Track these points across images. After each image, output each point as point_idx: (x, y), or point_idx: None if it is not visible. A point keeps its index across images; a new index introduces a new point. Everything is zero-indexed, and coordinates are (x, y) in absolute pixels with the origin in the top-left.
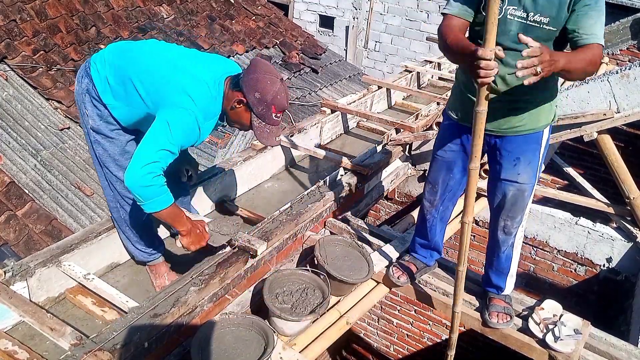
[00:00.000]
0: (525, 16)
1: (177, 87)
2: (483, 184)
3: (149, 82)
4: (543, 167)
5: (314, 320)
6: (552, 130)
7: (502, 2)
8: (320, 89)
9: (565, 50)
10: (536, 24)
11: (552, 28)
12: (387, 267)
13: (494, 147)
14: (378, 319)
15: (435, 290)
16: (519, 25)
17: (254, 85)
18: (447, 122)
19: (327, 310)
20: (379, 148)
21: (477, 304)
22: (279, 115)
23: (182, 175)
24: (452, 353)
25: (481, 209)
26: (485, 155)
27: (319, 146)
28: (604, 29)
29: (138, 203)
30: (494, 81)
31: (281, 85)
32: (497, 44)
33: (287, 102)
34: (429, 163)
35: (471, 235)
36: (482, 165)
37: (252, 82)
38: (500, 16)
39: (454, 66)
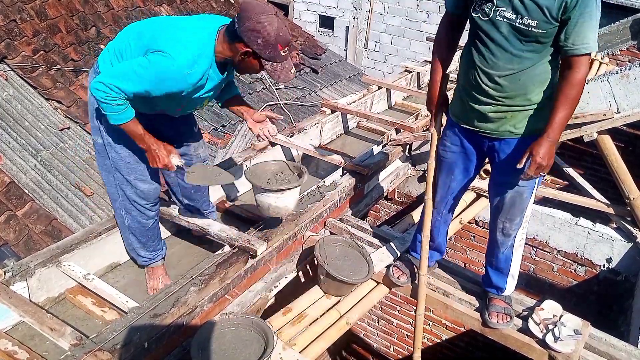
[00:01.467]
0: (514, 18)
1: (161, 38)
2: (483, 184)
3: (140, 43)
4: None
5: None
6: None
7: (492, 3)
8: (320, 89)
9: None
10: (524, 27)
11: (541, 31)
12: (387, 267)
13: (492, 149)
14: (378, 319)
15: (435, 291)
16: (508, 27)
17: (254, 31)
18: (449, 122)
19: (328, 311)
20: (379, 148)
21: (477, 304)
22: (286, 50)
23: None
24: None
25: (481, 209)
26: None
27: (319, 146)
28: (604, 29)
29: (104, 112)
30: (486, 84)
31: (279, 21)
32: (489, 41)
33: (289, 33)
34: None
35: (471, 235)
36: (484, 166)
37: (250, 29)
38: (490, 16)
39: (454, 66)
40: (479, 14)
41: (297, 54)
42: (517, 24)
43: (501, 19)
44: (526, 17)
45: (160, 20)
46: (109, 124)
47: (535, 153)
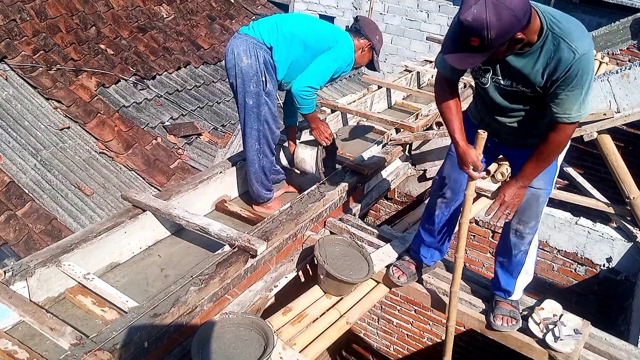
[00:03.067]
0: (510, 84)
1: (339, 41)
2: (483, 183)
3: (312, 38)
4: (556, 175)
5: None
6: None
7: (489, 73)
8: (320, 88)
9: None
10: (519, 91)
11: (535, 94)
12: (387, 267)
13: (510, 154)
14: (378, 319)
15: (435, 290)
16: (505, 91)
17: (374, 32)
18: (467, 122)
19: (328, 310)
20: (379, 148)
21: (477, 304)
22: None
23: None
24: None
25: (481, 208)
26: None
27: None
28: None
29: (300, 107)
30: (495, 124)
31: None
32: (490, 100)
33: None
34: (428, 163)
35: (471, 235)
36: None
37: (372, 30)
38: (488, 85)
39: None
40: (479, 81)
41: None
42: (512, 89)
43: (498, 84)
44: (520, 85)
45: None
46: (270, 84)
47: (502, 193)
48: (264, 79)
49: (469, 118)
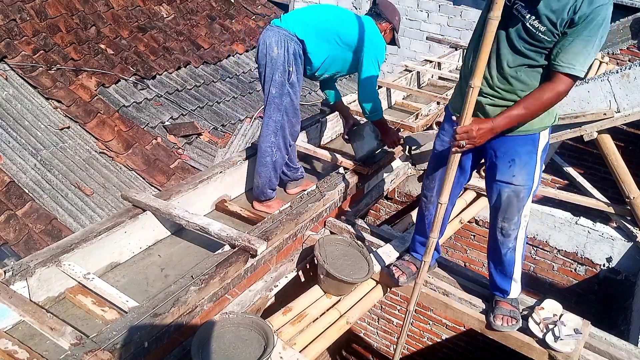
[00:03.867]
0: (527, 17)
1: (372, 33)
2: (483, 183)
3: (344, 30)
4: (541, 170)
5: None
6: (552, 130)
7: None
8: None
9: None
10: (532, 28)
11: (546, 38)
12: (387, 266)
13: (489, 147)
14: (378, 319)
15: (435, 290)
16: (519, 23)
17: (393, 13)
18: (447, 116)
19: (328, 310)
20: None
21: (477, 304)
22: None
23: None
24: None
25: (481, 208)
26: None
27: (319, 146)
28: None
29: (370, 114)
30: (488, 73)
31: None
32: (500, 31)
33: None
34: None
35: (471, 234)
36: (482, 165)
37: (391, 12)
38: (509, 5)
39: (454, 66)
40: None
41: None
42: (527, 24)
43: (517, 13)
44: (536, 20)
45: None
46: (296, 75)
47: (474, 123)
48: (290, 69)
49: (448, 112)
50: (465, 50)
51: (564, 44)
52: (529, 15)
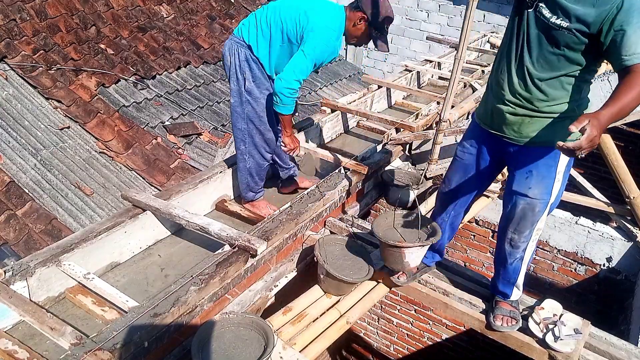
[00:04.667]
0: (549, 17)
1: (318, 19)
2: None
3: (298, 22)
4: (562, 185)
5: None
6: None
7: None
8: (320, 88)
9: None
10: (555, 27)
11: (571, 35)
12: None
13: (509, 155)
14: (378, 319)
15: (435, 290)
16: (543, 25)
17: (371, 4)
18: (473, 125)
19: (328, 310)
20: (379, 147)
21: (477, 304)
22: (388, 26)
23: None
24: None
25: (481, 208)
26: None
27: (319, 145)
28: None
29: (275, 103)
30: (511, 80)
31: (389, 5)
32: (524, 36)
33: (393, 14)
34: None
35: (471, 234)
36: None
37: (370, 2)
38: (531, 11)
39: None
40: (526, 3)
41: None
42: (550, 23)
43: (539, 15)
44: (559, 18)
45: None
46: (250, 83)
47: (593, 124)
48: (243, 76)
49: (473, 120)
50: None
51: (615, 40)
52: (551, 15)
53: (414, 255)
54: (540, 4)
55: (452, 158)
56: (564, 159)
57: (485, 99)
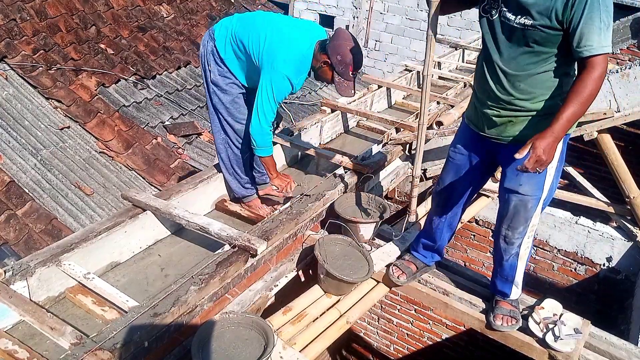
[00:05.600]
0: (512, 18)
1: (276, 51)
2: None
3: (256, 44)
4: (555, 181)
5: None
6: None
7: (497, 4)
8: (320, 88)
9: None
10: (520, 26)
11: (538, 32)
12: (387, 266)
13: (500, 155)
14: (378, 318)
15: (435, 290)
16: (509, 28)
17: (337, 50)
18: (462, 126)
19: (328, 310)
20: (379, 147)
21: (477, 304)
22: (354, 73)
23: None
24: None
25: (481, 208)
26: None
27: (319, 145)
28: None
29: (253, 147)
30: (491, 86)
31: (357, 50)
32: (493, 42)
33: (362, 62)
34: (428, 162)
35: (471, 234)
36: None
37: (335, 47)
38: (494, 18)
39: (454, 65)
40: (487, 16)
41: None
42: (514, 24)
43: (504, 19)
44: (522, 17)
45: (273, 30)
46: (214, 75)
47: (536, 146)
48: (208, 68)
49: (464, 122)
50: (477, 57)
51: (574, 32)
52: (515, 17)
53: (367, 230)
54: (504, 9)
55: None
56: (556, 156)
57: (473, 103)
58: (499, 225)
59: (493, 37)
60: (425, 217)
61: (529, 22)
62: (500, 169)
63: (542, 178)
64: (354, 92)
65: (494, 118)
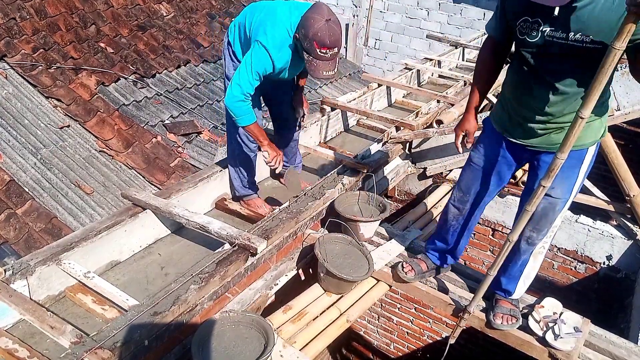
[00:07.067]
0: (564, 36)
1: (260, 25)
2: None
3: (252, 26)
4: (582, 183)
5: None
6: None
7: (538, 24)
8: (320, 86)
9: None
10: (578, 43)
11: (597, 46)
12: (396, 263)
13: (535, 159)
14: (378, 317)
15: (435, 288)
16: (559, 47)
17: (302, 22)
18: (488, 129)
19: (328, 308)
20: (379, 146)
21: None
22: (323, 50)
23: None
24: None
25: None
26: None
27: (320, 144)
28: None
29: (233, 119)
30: (536, 106)
31: (324, 24)
32: (539, 65)
33: (331, 39)
34: (428, 161)
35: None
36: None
37: (302, 20)
38: (538, 39)
39: (454, 64)
40: (525, 37)
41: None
42: (569, 42)
43: (550, 38)
44: (579, 34)
45: (262, 12)
46: (229, 70)
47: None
48: (224, 62)
49: (490, 126)
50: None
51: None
52: (566, 34)
53: (368, 229)
54: (549, 29)
55: (459, 160)
56: (588, 159)
57: (505, 111)
58: (524, 227)
59: (537, 60)
60: (440, 221)
61: (587, 38)
62: (524, 173)
63: (573, 182)
64: (330, 74)
65: (538, 130)
